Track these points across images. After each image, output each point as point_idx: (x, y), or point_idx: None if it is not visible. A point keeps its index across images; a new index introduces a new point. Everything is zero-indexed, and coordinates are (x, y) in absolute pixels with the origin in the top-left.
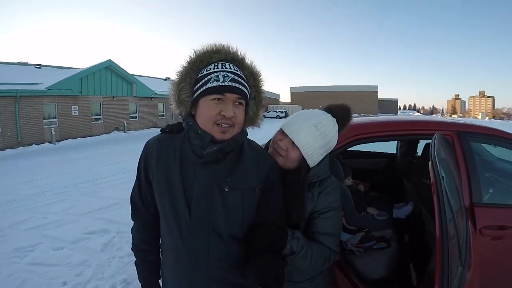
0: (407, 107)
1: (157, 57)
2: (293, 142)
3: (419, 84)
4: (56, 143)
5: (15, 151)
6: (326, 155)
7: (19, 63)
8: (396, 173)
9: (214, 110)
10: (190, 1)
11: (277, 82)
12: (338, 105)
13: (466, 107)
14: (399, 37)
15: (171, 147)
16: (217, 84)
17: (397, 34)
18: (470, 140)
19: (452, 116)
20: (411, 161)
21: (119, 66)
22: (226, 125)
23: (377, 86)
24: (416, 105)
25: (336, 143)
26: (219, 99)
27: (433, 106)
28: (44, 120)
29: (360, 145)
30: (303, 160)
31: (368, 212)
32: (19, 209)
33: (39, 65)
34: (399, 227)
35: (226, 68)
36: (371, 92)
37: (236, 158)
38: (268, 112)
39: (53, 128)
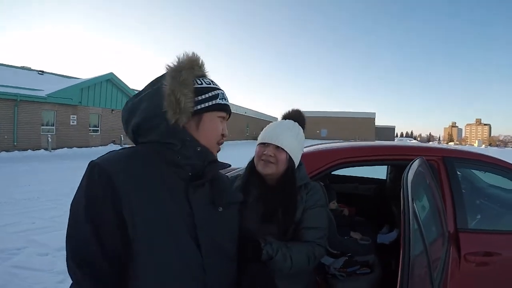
0: (404, 134)
1: (154, 72)
2: (277, 146)
3: (416, 112)
4: (52, 150)
5: (10, 154)
6: (302, 164)
7: (23, 68)
8: (385, 199)
9: (219, 128)
10: (194, 23)
11: (273, 106)
12: (291, 112)
13: (463, 135)
14: (396, 65)
15: (147, 169)
16: (226, 103)
17: (394, 61)
18: (455, 166)
19: (449, 143)
20: (400, 186)
21: (120, 80)
22: (221, 145)
23: (374, 113)
24: (414, 132)
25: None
26: (223, 118)
27: (430, 134)
28: (42, 127)
29: (350, 169)
30: (290, 160)
31: (351, 236)
32: (9, 212)
33: (42, 71)
34: (385, 253)
35: (218, 86)
36: (369, 119)
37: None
38: None
39: (50, 136)
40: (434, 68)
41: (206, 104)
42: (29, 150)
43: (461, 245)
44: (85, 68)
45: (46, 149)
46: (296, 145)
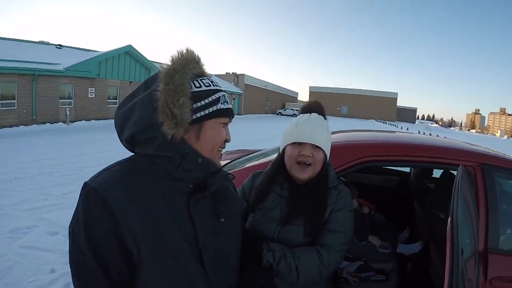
0: (425, 117)
1: (175, 45)
2: (314, 146)
3: (439, 95)
4: (70, 123)
5: (28, 128)
6: (330, 165)
7: (41, 42)
8: (407, 195)
9: (223, 135)
10: None
11: (295, 80)
12: (312, 104)
13: (485, 123)
14: (423, 46)
15: (146, 188)
16: (229, 107)
17: (421, 42)
18: (495, 175)
19: (470, 131)
20: (425, 184)
21: (138, 52)
22: (222, 151)
23: (397, 93)
24: (435, 115)
25: None
26: (226, 123)
27: (451, 119)
28: (60, 100)
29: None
30: (325, 159)
31: (370, 241)
32: (22, 188)
33: (60, 45)
34: (403, 259)
35: (220, 86)
36: (391, 99)
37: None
38: (285, 110)
39: (68, 109)
40: (462, 52)
41: (206, 111)
42: (47, 124)
43: (489, 267)
44: (104, 41)
45: (64, 122)
46: (329, 142)
